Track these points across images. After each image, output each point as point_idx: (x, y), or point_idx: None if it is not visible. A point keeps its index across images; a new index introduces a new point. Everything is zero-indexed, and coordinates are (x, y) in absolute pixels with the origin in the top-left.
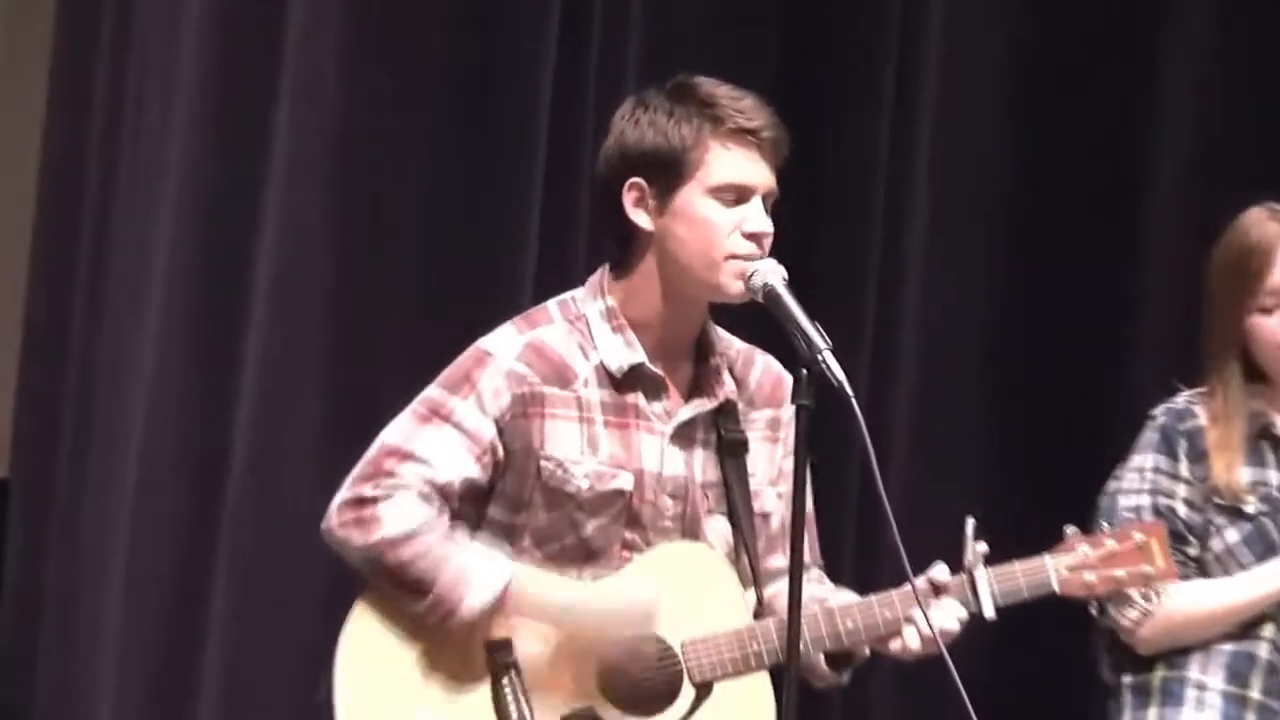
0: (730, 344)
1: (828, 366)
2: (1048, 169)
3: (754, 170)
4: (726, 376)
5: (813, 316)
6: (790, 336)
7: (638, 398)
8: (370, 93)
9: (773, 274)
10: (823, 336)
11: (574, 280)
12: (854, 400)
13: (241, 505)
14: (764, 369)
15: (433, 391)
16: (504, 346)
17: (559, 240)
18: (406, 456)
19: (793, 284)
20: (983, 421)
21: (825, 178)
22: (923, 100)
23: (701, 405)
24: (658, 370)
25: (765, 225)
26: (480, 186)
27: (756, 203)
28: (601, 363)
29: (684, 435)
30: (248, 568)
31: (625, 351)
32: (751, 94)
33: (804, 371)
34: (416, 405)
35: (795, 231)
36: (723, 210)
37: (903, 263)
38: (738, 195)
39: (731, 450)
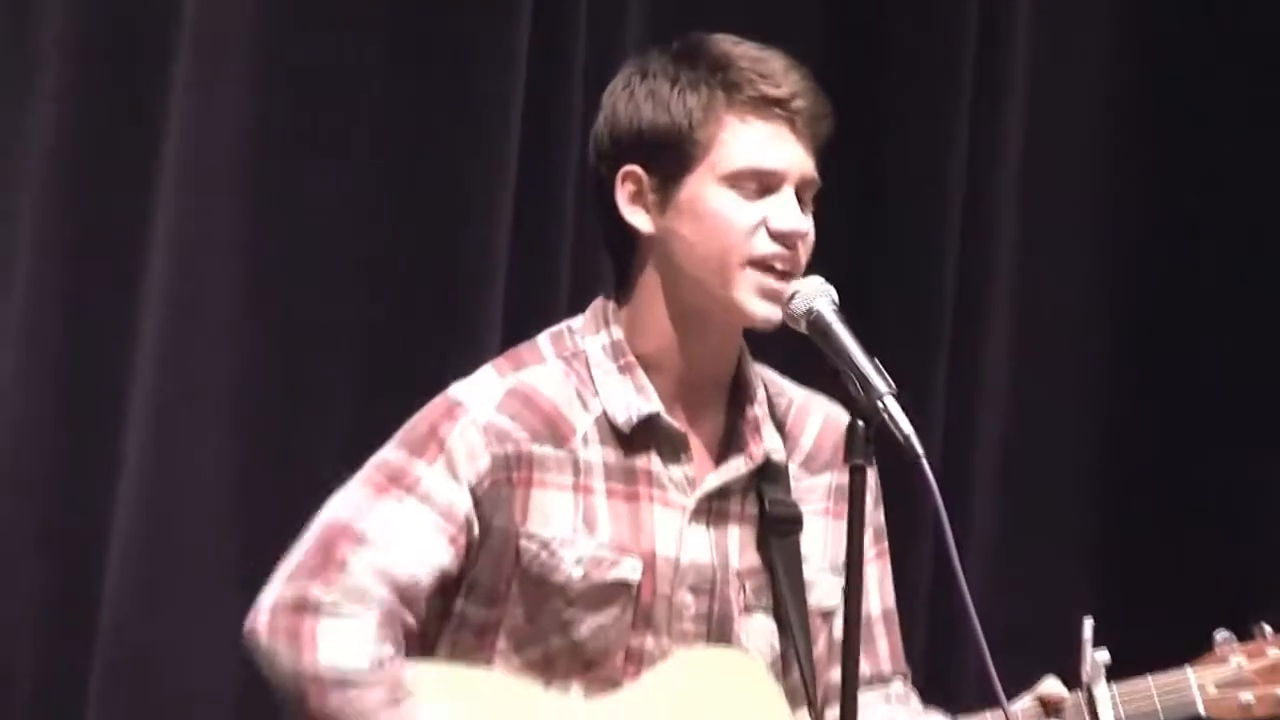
0: (781, 389)
1: (890, 417)
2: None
3: (782, 151)
4: (770, 430)
5: (872, 351)
6: (842, 378)
7: (651, 459)
8: (291, 69)
9: (819, 296)
10: (885, 378)
11: (551, 304)
12: (924, 460)
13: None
14: (826, 422)
15: (391, 453)
16: (481, 395)
17: (536, 251)
18: (359, 540)
19: (846, 308)
20: (1092, 488)
21: (887, 172)
22: (1012, 80)
23: (736, 468)
24: (677, 423)
25: (798, 222)
26: (434, 186)
27: (787, 194)
28: (605, 414)
29: (713, 509)
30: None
31: (635, 399)
32: (781, 53)
33: (859, 423)
34: (371, 471)
35: (849, 239)
36: (742, 203)
37: (988, 282)
38: (761, 184)
39: (779, 527)
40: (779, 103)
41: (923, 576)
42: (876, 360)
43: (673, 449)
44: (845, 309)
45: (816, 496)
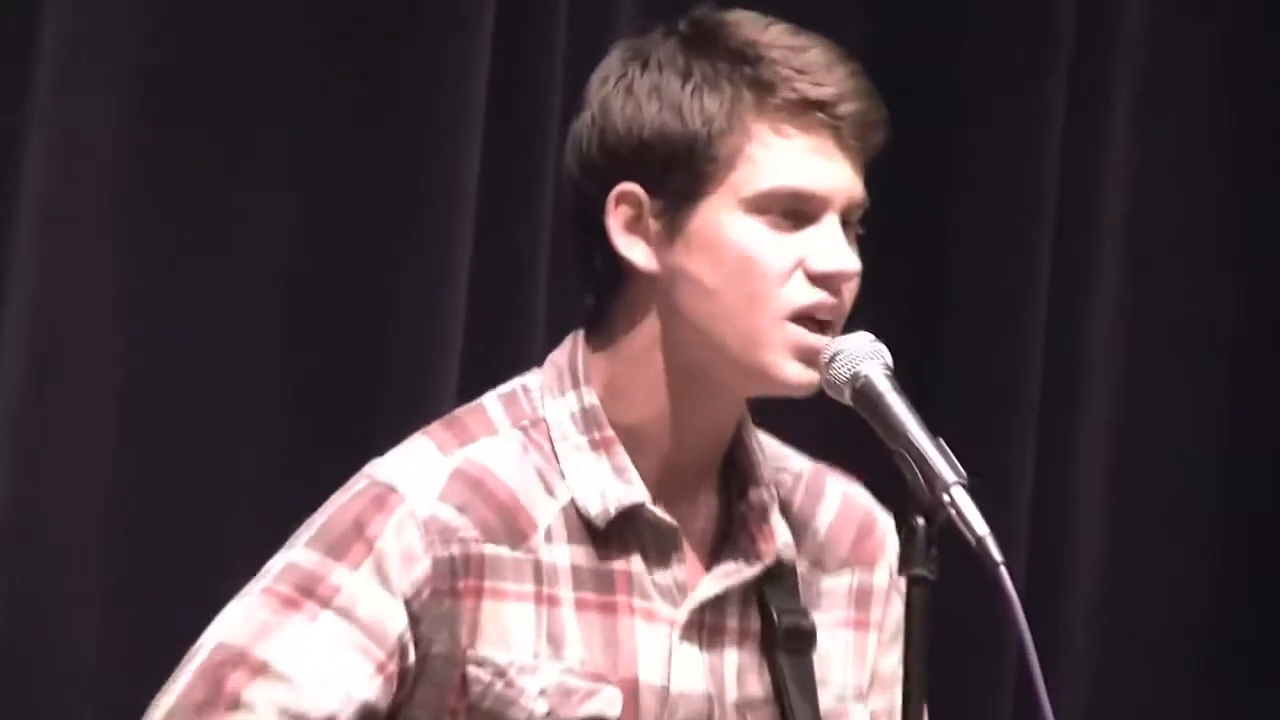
0: (783, 461)
1: (960, 514)
2: None
3: (826, 168)
4: (777, 520)
5: (936, 429)
6: (897, 462)
7: (631, 561)
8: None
9: (867, 358)
10: (953, 464)
11: (518, 353)
12: (1004, 569)
13: None
14: (843, 504)
15: (300, 554)
16: (419, 479)
17: (502, 277)
18: (259, 671)
19: (902, 374)
20: (1218, 610)
21: (955, 198)
22: (1115, 90)
23: (736, 572)
24: (665, 515)
25: (845, 260)
26: (374, 195)
27: (830, 224)
28: (573, 502)
29: (706, 622)
30: None
31: (612, 484)
32: (822, 42)
33: (919, 521)
34: (273, 578)
35: (909, 281)
36: (773, 237)
37: (1082, 347)
38: (798, 211)
39: (788, 644)
40: (822, 106)
41: (1002, 713)
42: (942, 441)
43: (660, 548)
44: (902, 375)
45: (834, 603)
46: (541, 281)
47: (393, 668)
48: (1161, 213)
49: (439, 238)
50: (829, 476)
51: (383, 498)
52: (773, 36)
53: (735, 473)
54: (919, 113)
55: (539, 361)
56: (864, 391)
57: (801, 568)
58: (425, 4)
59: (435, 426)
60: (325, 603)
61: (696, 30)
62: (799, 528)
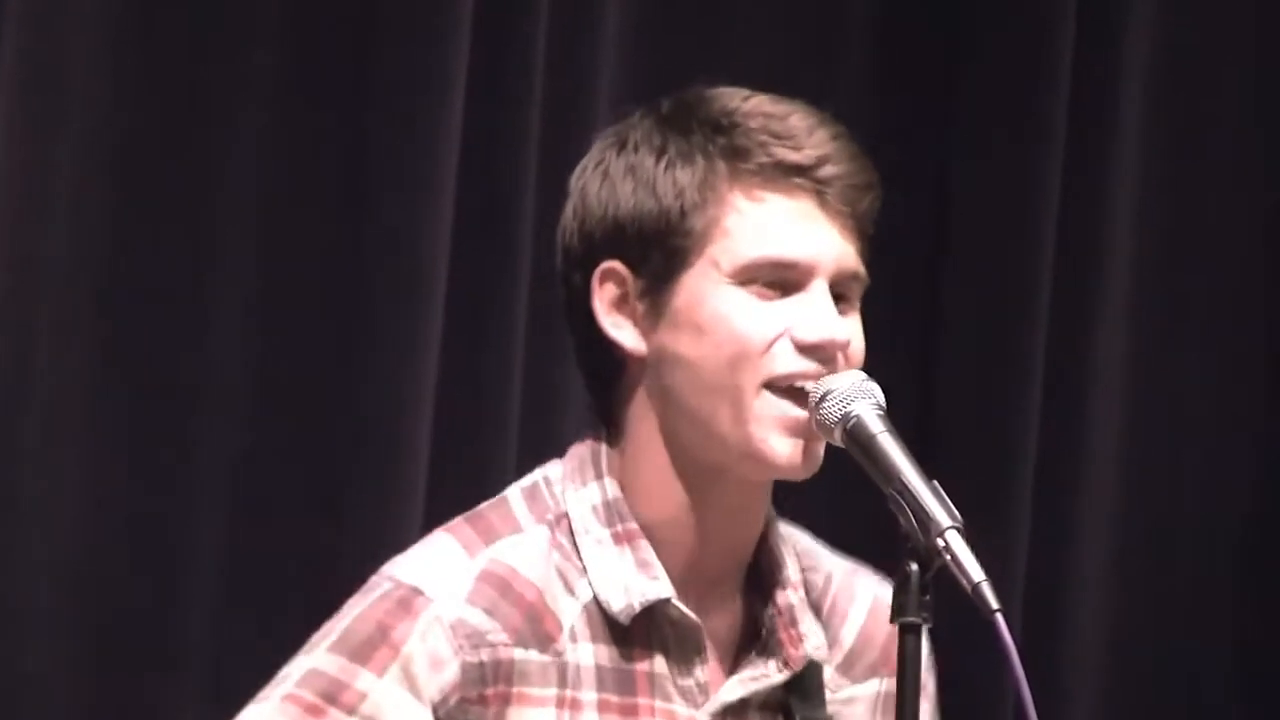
0: (814, 560)
1: (955, 559)
2: None
3: (808, 234)
4: (810, 622)
5: (931, 472)
6: (890, 506)
7: (653, 661)
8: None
9: (858, 397)
10: (948, 508)
11: (502, 382)
12: (1000, 616)
13: None
14: (874, 608)
15: (322, 659)
16: (446, 581)
17: (480, 340)
18: None
19: (896, 413)
20: (1219, 658)
21: (956, 227)
22: (1122, 120)
23: (764, 677)
24: (690, 612)
25: (833, 328)
26: (341, 249)
27: (818, 291)
28: (595, 599)
29: None
30: None
31: (636, 579)
32: (804, 108)
33: (912, 568)
34: (293, 684)
35: (905, 317)
36: (757, 307)
37: (1086, 377)
38: (784, 280)
39: None
40: (802, 170)
41: None
42: (936, 484)
43: (683, 647)
44: (895, 414)
45: (860, 711)
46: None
47: None
48: (1169, 254)
49: (416, 248)
50: (860, 578)
51: (408, 601)
52: (752, 105)
53: (761, 574)
54: (916, 138)
55: (519, 379)
56: (855, 432)
57: (827, 673)
58: (395, 72)
59: (459, 523)
60: (350, 710)
61: (674, 108)
62: (829, 629)
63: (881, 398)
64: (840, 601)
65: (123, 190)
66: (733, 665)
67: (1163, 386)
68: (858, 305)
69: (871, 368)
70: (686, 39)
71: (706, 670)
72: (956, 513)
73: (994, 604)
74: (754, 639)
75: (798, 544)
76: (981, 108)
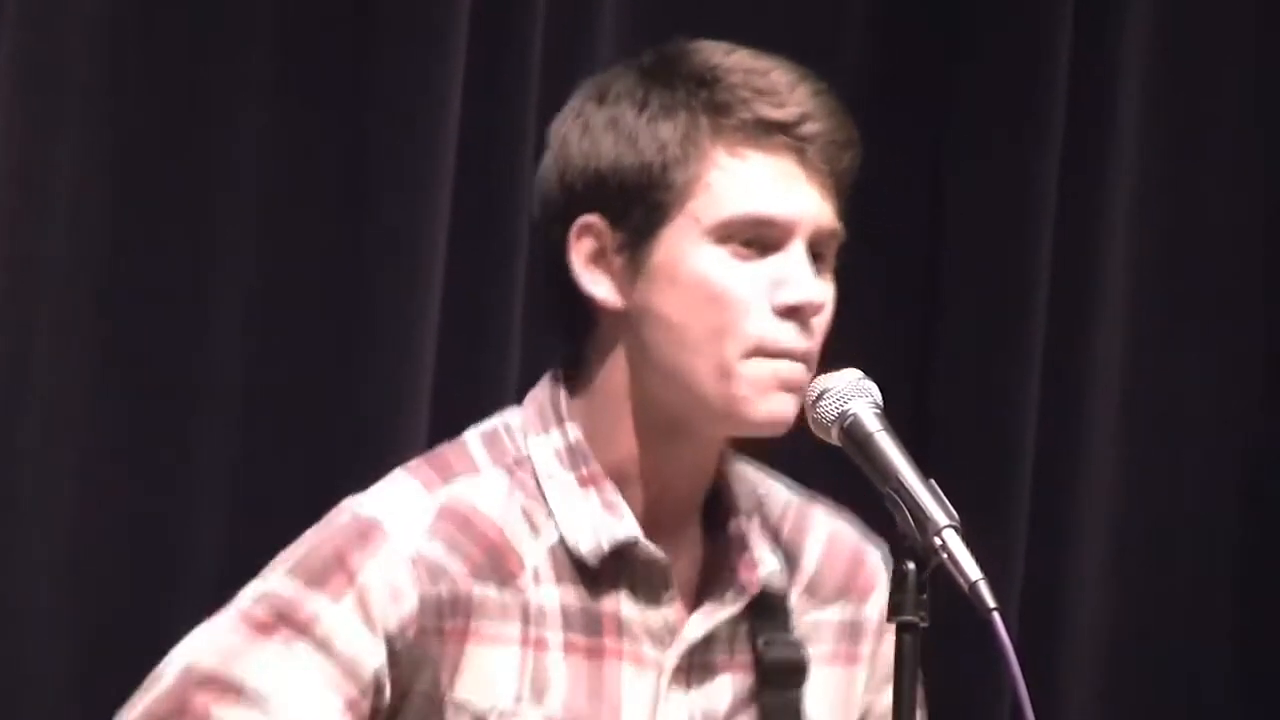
0: (770, 489)
1: (952, 558)
2: None
3: (789, 192)
4: (763, 547)
5: (928, 470)
6: (888, 504)
7: (620, 601)
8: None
9: (855, 396)
10: (945, 506)
11: (499, 381)
12: (998, 615)
13: None
14: (831, 538)
15: (277, 581)
16: (406, 514)
17: (478, 314)
18: (228, 690)
19: (893, 412)
20: (1218, 657)
21: (953, 226)
22: (1121, 105)
23: (725, 606)
24: (658, 551)
25: (811, 289)
26: (340, 231)
27: (796, 251)
28: (561, 541)
29: (695, 663)
30: None
31: (604, 520)
32: (786, 63)
33: (909, 566)
34: (248, 603)
35: (901, 312)
36: (736, 265)
37: (1085, 375)
38: (763, 238)
39: (777, 679)
40: (783, 127)
41: None
42: (933, 482)
43: (651, 586)
44: (892, 413)
45: (823, 636)
46: (515, 321)
47: (365, 705)
48: (1167, 257)
49: (414, 245)
50: (816, 509)
51: (367, 532)
52: (734, 61)
53: (717, 506)
54: (913, 138)
55: (515, 377)
56: (852, 431)
57: (793, 597)
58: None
59: (417, 463)
60: (302, 631)
61: (656, 61)
62: (790, 558)
63: (879, 396)
64: (799, 529)
65: (122, 190)
66: (695, 601)
67: (1161, 386)
68: (833, 264)
69: (868, 366)
70: (678, 29)
71: (674, 609)
72: (953, 511)
73: (991, 603)
74: (712, 571)
75: (749, 472)
76: (979, 107)
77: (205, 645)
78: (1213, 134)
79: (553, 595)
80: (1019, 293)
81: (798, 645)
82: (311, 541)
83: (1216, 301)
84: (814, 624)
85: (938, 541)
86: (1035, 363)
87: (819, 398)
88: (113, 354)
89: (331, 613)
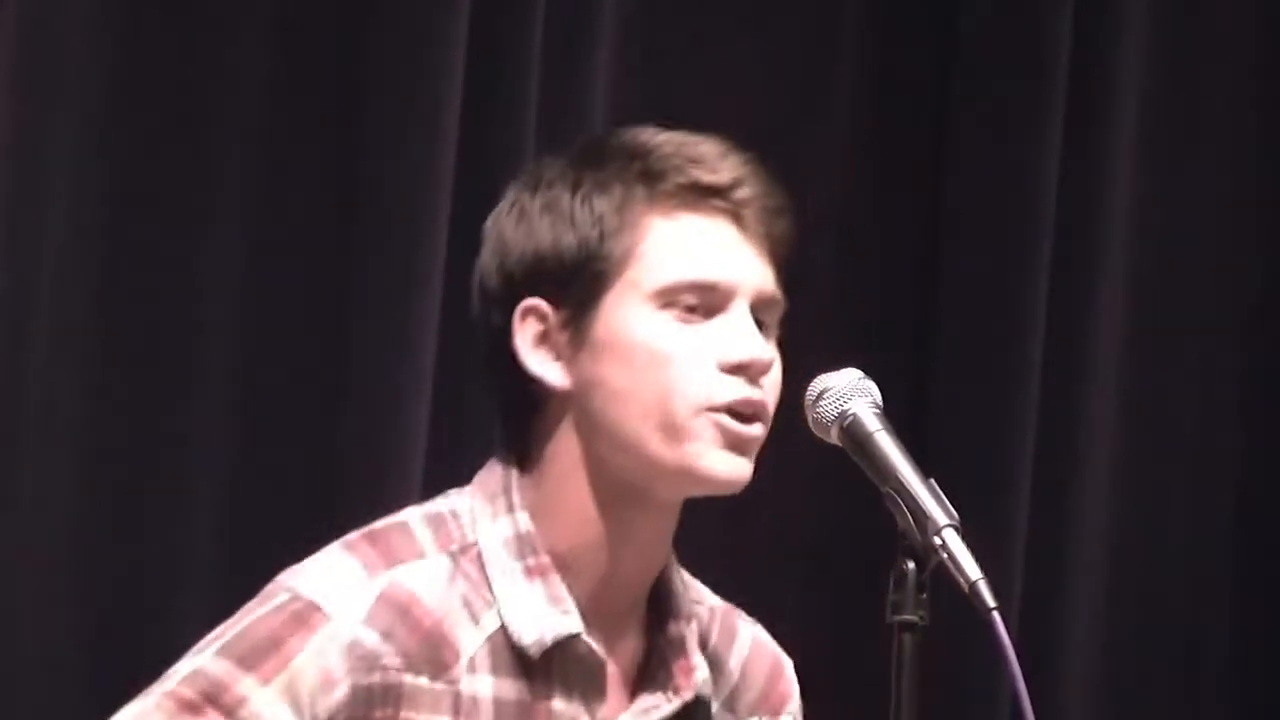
0: (699, 594)
1: (952, 558)
2: None
3: (727, 254)
4: (697, 655)
5: (928, 470)
6: (887, 503)
7: (554, 695)
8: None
9: (855, 395)
10: (945, 506)
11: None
12: (998, 614)
13: None
14: (754, 646)
15: (206, 659)
16: (344, 599)
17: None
18: None
19: (893, 411)
20: (1217, 658)
21: (953, 226)
22: (1120, 105)
23: (655, 708)
24: (597, 648)
25: (756, 349)
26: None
27: (739, 311)
28: (503, 630)
29: None
30: None
31: (548, 613)
32: (713, 138)
33: (908, 566)
34: (175, 682)
35: (898, 314)
36: (679, 329)
37: (1085, 375)
38: (706, 304)
39: None
40: (718, 191)
41: None
42: (933, 482)
43: (587, 683)
44: (892, 413)
45: None
46: None
47: None
48: (1164, 261)
49: (412, 238)
50: (738, 618)
51: (304, 615)
52: (664, 136)
53: (656, 604)
54: (913, 138)
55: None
56: (852, 430)
57: (716, 708)
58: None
59: (358, 540)
60: (228, 713)
61: (586, 146)
62: (714, 664)
63: (878, 396)
64: (723, 636)
65: (120, 190)
66: (629, 699)
67: (1161, 386)
68: (776, 333)
69: (868, 366)
70: (681, 38)
71: (606, 705)
72: (953, 511)
73: (991, 602)
74: (649, 670)
75: (687, 578)
76: (979, 107)
77: None
78: (1212, 134)
79: (487, 685)
80: (1018, 292)
81: None
82: (247, 620)
83: (1216, 301)
84: None
85: (938, 541)
86: (1035, 362)
87: (819, 397)
88: (112, 353)
89: (259, 695)
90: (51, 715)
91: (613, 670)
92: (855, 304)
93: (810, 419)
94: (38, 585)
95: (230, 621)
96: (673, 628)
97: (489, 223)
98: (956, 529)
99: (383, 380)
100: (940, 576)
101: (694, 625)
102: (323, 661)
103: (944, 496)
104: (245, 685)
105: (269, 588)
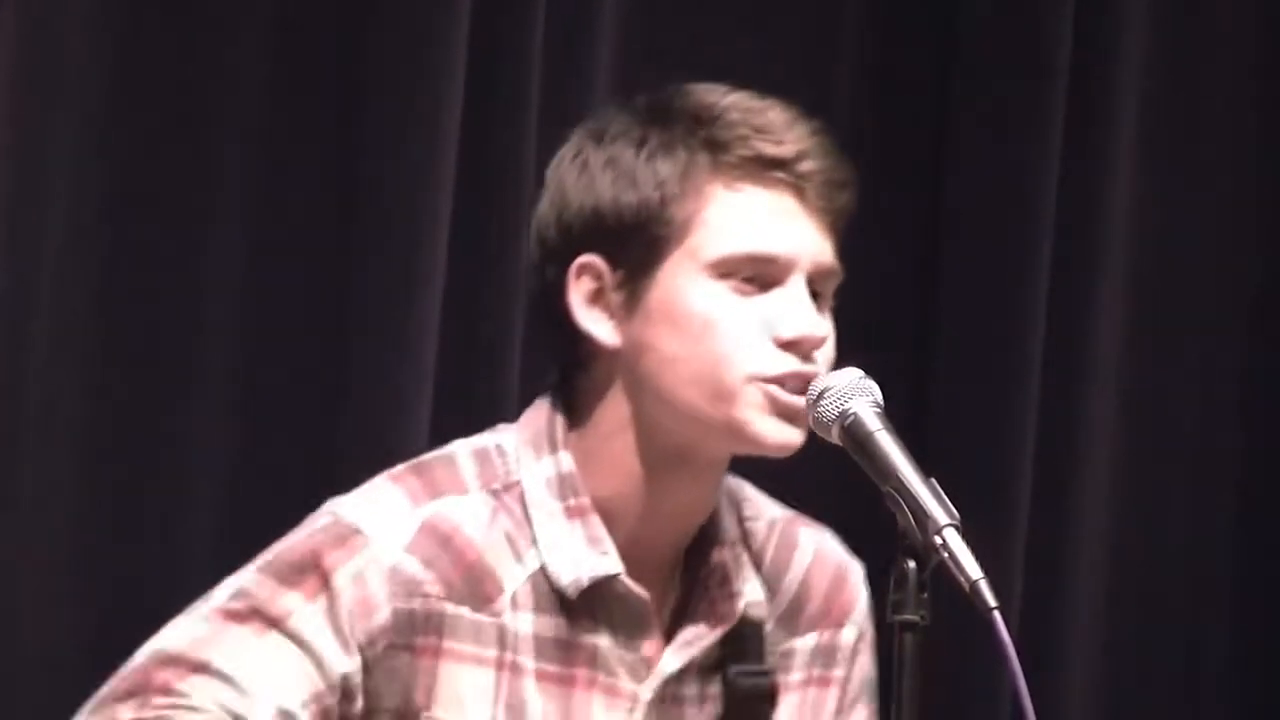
0: (757, 509)
1: (953, 557)
2: None
3: (788, 229)
4: (748, 574)
5: (928, 469)
6: (887, 503)
7: (598, 634)
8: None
9: (856, 395)
10: (945, 505)
11: (500, 383)
12: (998, 614)
13: None
14: (816, 556)
15: (249, 577)
16: (387, 525)
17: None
18: (194, 668)
19: (894, 411)
20: (1217, 657)
21: (953, 226)
22: (1120, 105)
23: (696, 639)
24: (637, 588)
25: (812, 324)
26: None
27: (796, 286)
28: (543, 570)
29: (667, 695)
30: None
31: (587, 554)
32: (782, 103)
33: (909, 565)
34: (221, 597)
35: (899, 312)
36: (736, 302)
37: (1085, 375)
38: (762, 275)
39: (747, 707)
40: (782, 164)
41: None
42: (934, 481)
43: (629, 622)
44: (893, 412)
45: (799, 663)
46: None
47: (331, 702)
48: (1164, 261)
49: (411, 248)
50: (802, 527)
51: (345, 537)
52: (732, 100)
53: (701, 536)
54: (913, 137)
55: (516, 380)
56: (852, 429)
57: (769, 625)
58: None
59: (404, 472)
60: (274, 623)
61: (654, 101)
62: (771, 581)
63: (879, 395)
64: (782, 550)
65: (120, 190)
66: (672, 631)
67: (1161, 385)
68: (832, 302)
69: (868, 365)
70: (681, 38)
71: (651, 644)
72: (954, 510)
73: (991, 602)
74: (690, 603)
75: (739, 493)
76: (979, 107)
77: (174, 633)
78: (1212, 134)
79: (528, 622)
80: (1019, 292)
81: (768, 674)
82: (289, 541)
83: (1216, 300)
84: (788, 652)
85: (938, 540)
86: (1035, 361)
87: (820, 396)
88: (111, 354)
89: (303, 610)
90: (51, 715)
91: (657, 609)
92: (855, 304)
93: (811, 418)
94: (38, 585)
95: (274, 545)
96: (715, 555)
97: (550, 169)
98: (957, 528)
99: (383, 380)
100: (941, 576)
101: (740, 549)
102: (362, 585)
103: (944, 496)
104: (289, 600)
105: (312, 515)
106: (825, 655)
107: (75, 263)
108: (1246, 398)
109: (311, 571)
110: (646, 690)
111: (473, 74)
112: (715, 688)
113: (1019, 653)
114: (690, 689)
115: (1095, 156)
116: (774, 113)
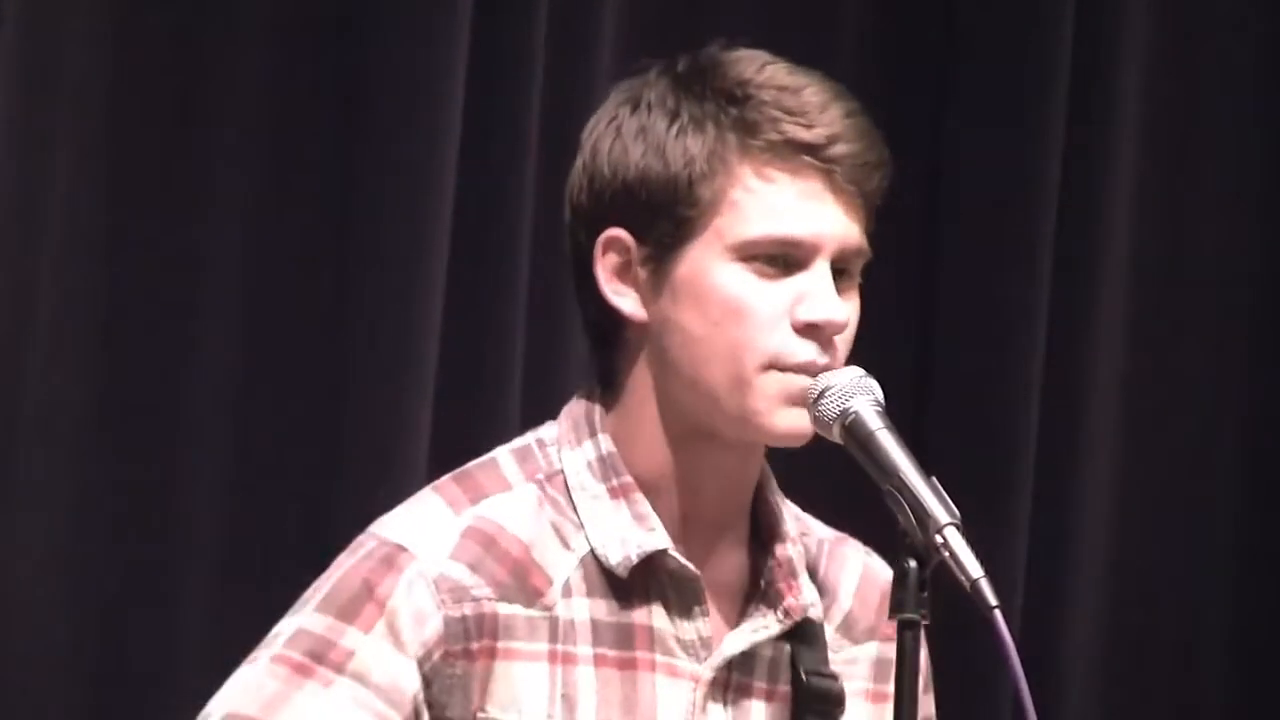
0: (807, 527)
1: (954, 556)
2: None
3: (815, 214)
4: (806, 579)
5: (929, 469)
6: (889, 502)
7: (653, 613)
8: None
9: (857, 394)
10: (946, 504)
11: (502, 384)
12: (999, 613)
13: None
14: (865, 575)
15: (308, 617)
16: (429, 537)
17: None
18: None
19: (895, 409)
20: (1216, 658)
21: (953, 224)
22: (1121, 102)
23: (765, 626)
24: (687, 563)
25: (833, 310)
26: (336, 248)
27: (820, 271)
28: (592, 552)
29: (732, 681)
30: None
31: (633, 531)
32: (820, 81)
33: (910, 564)
34: (281, 644)
35: (898, 310)
36: (759, 285)
37: (1085, 375)
38: (787, 258)
39: (816, 708)
40: (812, 149)
41: None
42: (935, 480)
43: (683, 599)
44: (893, 412)
45: (857, 673)
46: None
47: None
48: (1164, 261)
49: (413, 249)
50: (849, 548)
51: (392, 557)
52: (767, 76)
53: (760, 528)
54: (913, 134)
55: (518, 381)
56: (853, 428)
57: (829, 633)
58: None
59: (446, 482)
60: (339, 669)
61: (691, 69)
62: (825, 593)
63: (880, 394)
64: (832, 568)
65: (120, 192)
66: (737, 619)
67: (1161, 385)
68: (858, 279)
69: (869, 364)
70: (681, 37)
71: (708, 623)
72: (955, 509)
73: (992, 600)
74: (757, 591)
75: (787, 507)
76: (980, 102)
77: (243, 693)
78: (1213, 132)
79: (583, 608)
80: (1019, 291)
81: (836, 677)
82: (339, 571)
83: (1217, 299)
84: (850, 660)
85: (939, 539)
86: (1037, 361)
87: (820, 395)
88: (111, 353)
89: (365, 645)
90: (51, 715)
91: (714, 588)
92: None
93: (812, 417)
94: (38, 585)
95: (324, 576)
96: (780, 550)
97: (586, 131)
98: (958, 527)
99: (383, 380)
100: (942, 575)
101: (800, 549)
102: (413, 598)
103: (945, 495)
104: (350, 638)
105: (358, 539)
106: (881, 670)
107: (75, 263)
108: (1246, 398)
109: (366, 601)
110: (707, 670)
111: (473, 74)
112: (785, 687)
113: (1019, 651)
114: (759, 682)
115: (1096, 156)
116: (809, 92)
